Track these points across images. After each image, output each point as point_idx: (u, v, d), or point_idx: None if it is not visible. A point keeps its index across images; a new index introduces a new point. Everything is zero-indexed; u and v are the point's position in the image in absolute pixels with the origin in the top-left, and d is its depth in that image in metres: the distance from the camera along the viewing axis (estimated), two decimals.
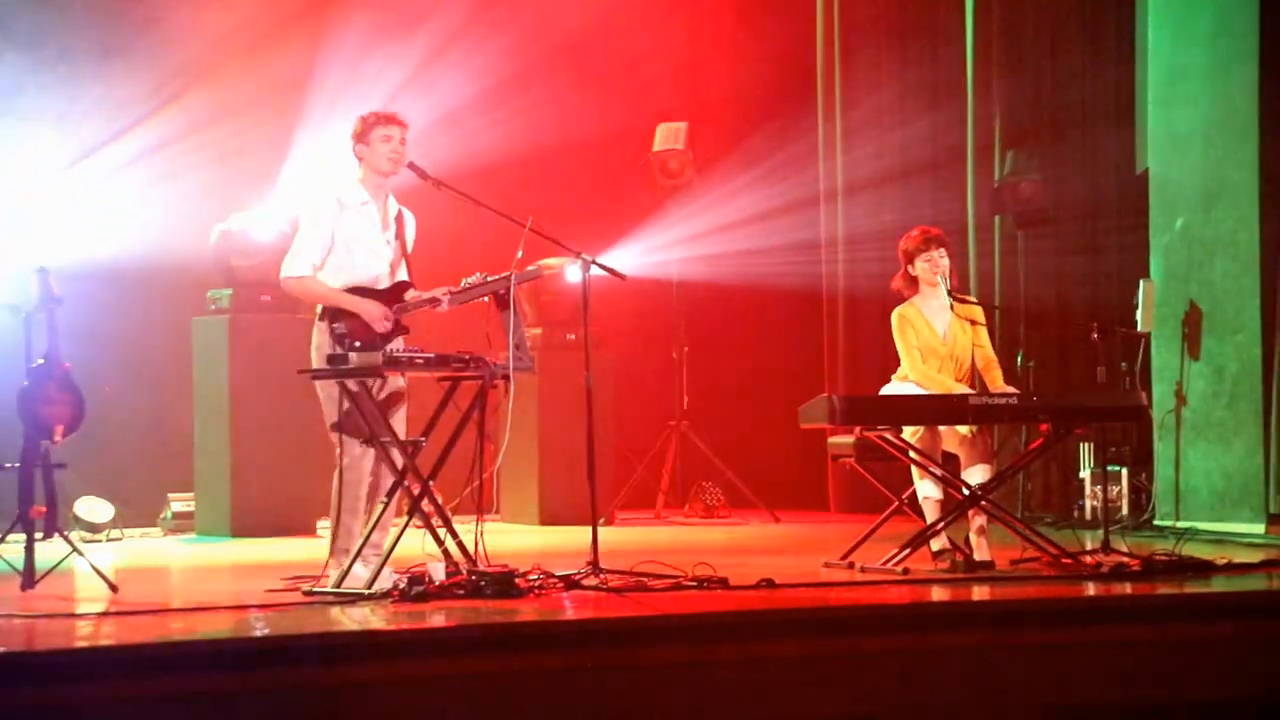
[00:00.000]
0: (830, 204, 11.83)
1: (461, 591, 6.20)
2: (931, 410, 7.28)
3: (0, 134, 9.97)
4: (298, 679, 5.16)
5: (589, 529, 6.78)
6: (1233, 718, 5.95)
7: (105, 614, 6.09)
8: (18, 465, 6.99)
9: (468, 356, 6.57)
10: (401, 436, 6.68)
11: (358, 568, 6.52)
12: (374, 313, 6.68)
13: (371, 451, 6.66)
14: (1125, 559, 7.30)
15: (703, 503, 11.15)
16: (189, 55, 10.47)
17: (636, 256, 10.97)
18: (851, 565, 7.35)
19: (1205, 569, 7.02)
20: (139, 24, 10.44)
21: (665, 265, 11.38)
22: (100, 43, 10.34)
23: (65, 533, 7.11)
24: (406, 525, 6.59)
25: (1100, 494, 9.44)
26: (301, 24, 10.69)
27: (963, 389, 7.45)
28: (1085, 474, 10.07)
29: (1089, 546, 7.72)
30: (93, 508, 9.52)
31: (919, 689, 5.75)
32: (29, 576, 6.74)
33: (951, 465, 7.47)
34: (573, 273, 9.86)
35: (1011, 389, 7.49)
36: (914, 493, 7.52)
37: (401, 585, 6.26)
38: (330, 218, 6.78)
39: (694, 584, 6.53)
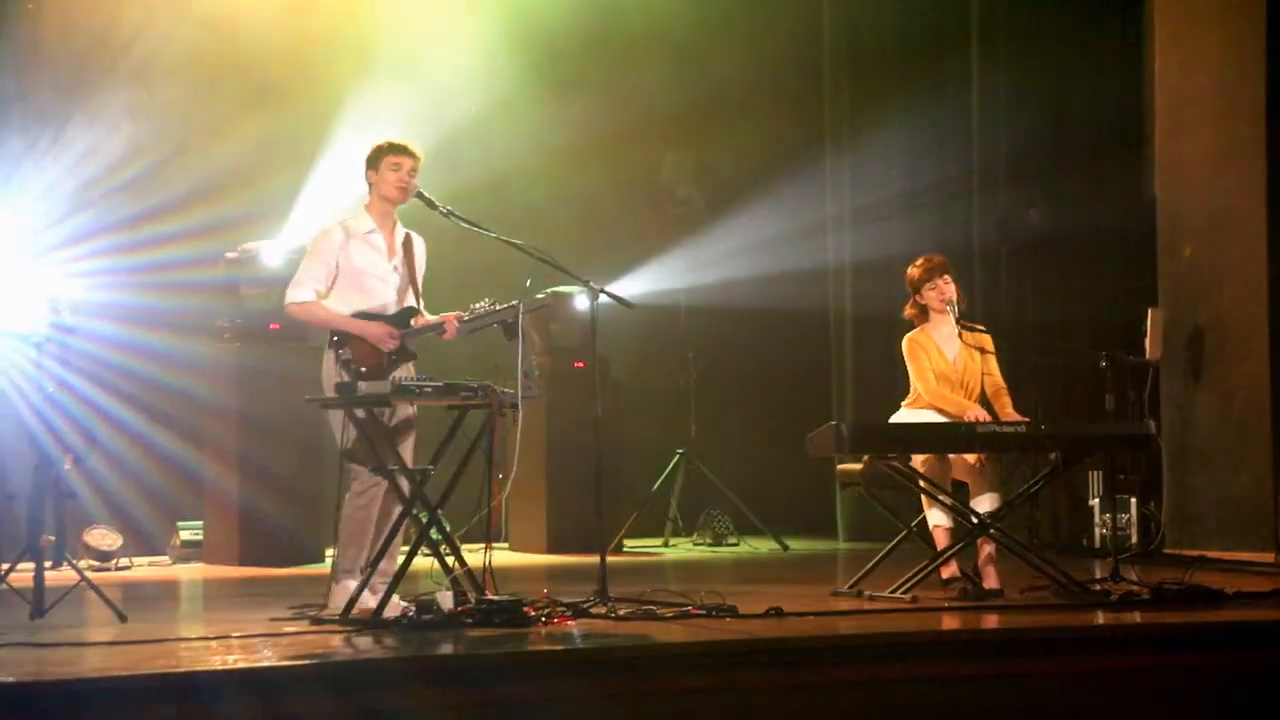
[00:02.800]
0: (838, 231, 11.84)
1: (470, 620, 6.20)
2: (940, 438, 7.28)
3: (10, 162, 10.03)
4: (305, 708, 5.16)
5: (597, 557, 6.78)
6: None
7: (114, 643, 6.09)
8: (28, 494, 7.02)
9: (476, 385, 6.58)
10: (409, 465, 6.69)
11: (365, 596, 6.52)
12: (378, 332, 6.71)
13: (381, 479, 6.67)
14: (1134, 587, 7.28)
15: (711, 530, 11.15)
16: (208, 81, 10.54)
17: (645, 285, 10.99)
18: (860, 593, 7.34)
19: (1215, 598, 7.00)
20: (154, 52, 10.50)
21: (673, 293, 11.40)
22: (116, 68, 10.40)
23: (74, 561, 7.12)
24: (414, 553, 6.59)
25: (1109, 522, 9.42)
26: (317, 53, 10.75)
27: (976, 407, 7.45)
28: (1094, 502, 10.06)
29: (1098, 575, 7.70)
30: (102, 536, 9.53)
31: (928, 718, 5.73)
32: (38, 605, 6.74)
33: (960, 493, 7.47)
34: (581, 301, 9.94)
35: (1021, 417, 7.49)
36: (923, 520, 7.52)
37: (410, 613, 6.26)
38: (335, 245, 6.81)
39: (702, 612, 6.52)
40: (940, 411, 7.48)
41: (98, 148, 10.28)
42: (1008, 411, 7.55)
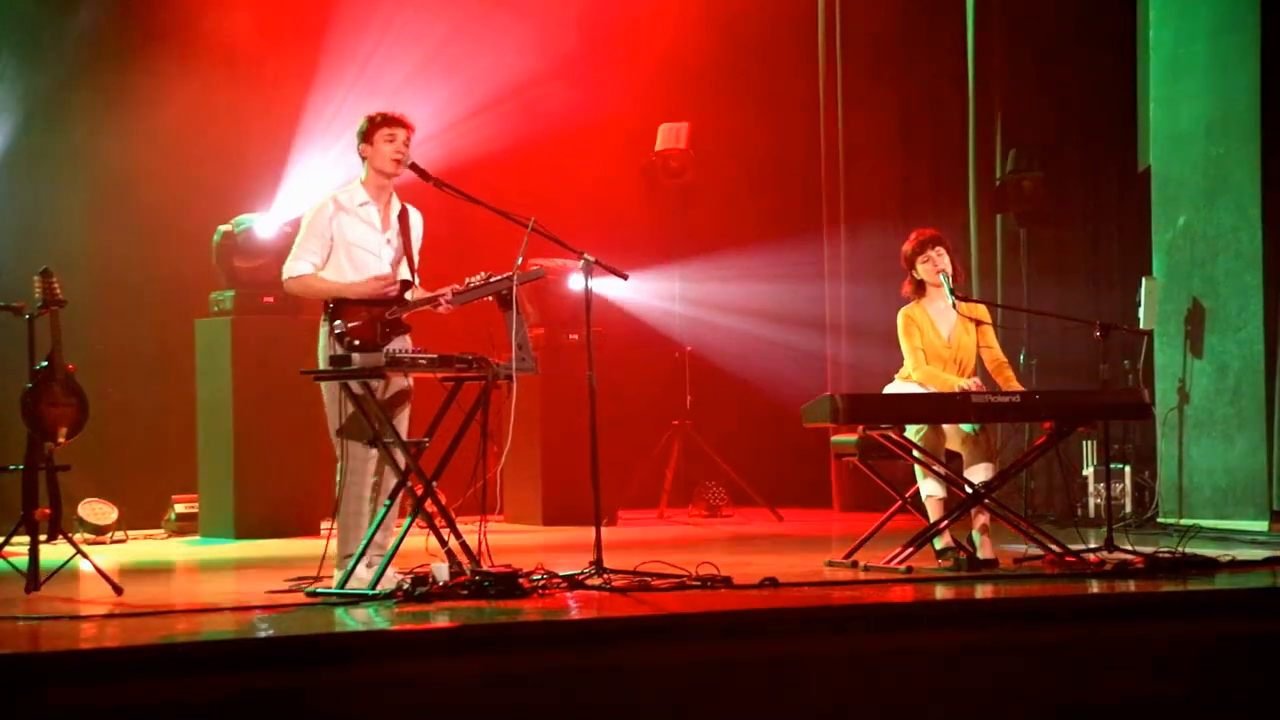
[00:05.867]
0: (833, 201, 11.81)
1: (465, 592, 6.21)
2: (935, 408, 7.28)
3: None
4: (301, 680, 5.16)
5: (592, 529, 6.78)
6: (1236, 715, 5.95)
7: (109, 616, 6.10)
8: (22, 467, 7.02)
9: (471, 357, 6.57)
10: (404, 437, 6.68)
11: (361, 569, 6.53)
12: (375, 285, 6.66)
13: (375, 453, 6.66)
14: (1128, 557, 7.30)
15: (706, 502, 11.16)
16: (195, 54, 10.50)
17: (639, 257, 10.96)
18: (855, 564, 7.36)
19: (1209, 566, 7.02)
20: (144, 22, 10.46)
21: (668, 265, 11.38)
22: (106, 41, 10.36)
23: (69, 535, 7.12)
24: (410, 526, 6.59)
25: (1103, 492, 9.43)
26: (307, 25, 10.71)
27: (965, 384, 7.44)
28: (1088, 472, 10.07)
29: (1092, 545, 7.72)
30: (97, 510, 9.54)
31: (922, 688, 5.74)
32: (33, 578, 6.75)
33: (954, 464, 7.47)
34: (575, 273, 9.91)
35: (1021, 388, 7.49)
36: (917, 491, 7.52)
37: (405, 586, 6.26)
38: (328, 219, 6.78)
39: (697, 583, 6.53)
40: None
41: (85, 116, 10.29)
42: (1012, 386, 7.53)
